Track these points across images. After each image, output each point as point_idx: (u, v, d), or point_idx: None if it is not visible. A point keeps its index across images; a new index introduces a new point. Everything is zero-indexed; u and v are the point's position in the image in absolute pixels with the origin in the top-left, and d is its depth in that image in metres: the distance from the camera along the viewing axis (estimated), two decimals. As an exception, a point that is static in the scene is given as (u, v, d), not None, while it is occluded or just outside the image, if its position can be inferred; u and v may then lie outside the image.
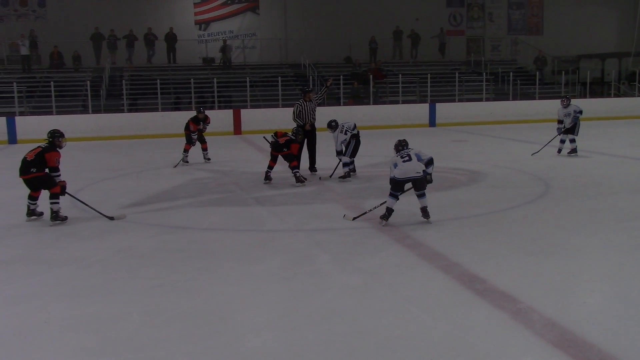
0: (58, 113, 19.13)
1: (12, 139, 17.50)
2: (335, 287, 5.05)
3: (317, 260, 5.83)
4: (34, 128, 17.09)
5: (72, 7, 24.23)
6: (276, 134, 9.94)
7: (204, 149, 12.80)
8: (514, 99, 23.11)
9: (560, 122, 12.70)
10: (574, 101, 12.94)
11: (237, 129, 19.43)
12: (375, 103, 22.07)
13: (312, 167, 10.98)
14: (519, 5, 29.97)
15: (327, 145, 11.64)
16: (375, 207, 7.34)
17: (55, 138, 7.56)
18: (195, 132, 12.44)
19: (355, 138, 10.22)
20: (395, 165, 6.97)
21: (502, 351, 3.88)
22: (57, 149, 7.54)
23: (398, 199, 7.05)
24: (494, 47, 29.60)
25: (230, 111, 19.72)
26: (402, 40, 26.68)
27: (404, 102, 22.18)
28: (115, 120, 19.06)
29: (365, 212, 7.36)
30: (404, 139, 7.29)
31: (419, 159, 6.96)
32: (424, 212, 7.07)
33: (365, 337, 4.08)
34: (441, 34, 27.25)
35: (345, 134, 10.12)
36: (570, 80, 24.82)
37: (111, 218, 7.55)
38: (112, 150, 15.77)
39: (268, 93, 21.72)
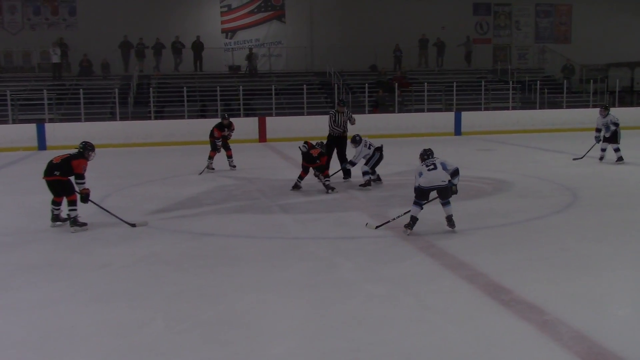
0: (87, 120, 19.44)
1: (42, 145, 17.78)
2: (359, 296, 5.02)
3: (341, 268, 5.81)
4: (63, 135, 17.40)
5: (102, 15, 24.61)
6: (307, 144, 10.00)
7: (229, 157, 12.85)
8: (541, 107, 22.88)
9: (598, 130, 12.84)
10: None
11: (262, 136, 19.50)
12: (400, 111, 22.02)
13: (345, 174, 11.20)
14: (546, 13, 29.71)
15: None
16: (399, 216, 7.30)
17: (86, 150, 7.67)
18: (219, 139, 12.51)
19: (380, 152, 10.31)
20: (421, 174, 6.94)
21: (528, 363, 3.82)
22: (85, 158, 7.65)
23: (422, 208, 7.01)
24: (520, 56, 29.38)
25: (256, 119, 19.81)
26: (427, 48, 26.61)
27: (429, 110, 22.08)
28: (142, 127, 19.24)
29: (389, 221, 7.33)
30: (429, 148, 7.25)
31: (445, 168, 6.93)
32: (449, 220, 7.01)
33: (388, 347, 4.05)
34: (467, 42, 27.13)
35: (369, 148, 10.25)
36: (599, 89, 24.51)
37: (133, 225, 7.62)
38: (138, 156, 15.94)
39: (293, 101, 21.80)
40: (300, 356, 3.98)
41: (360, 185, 10.13)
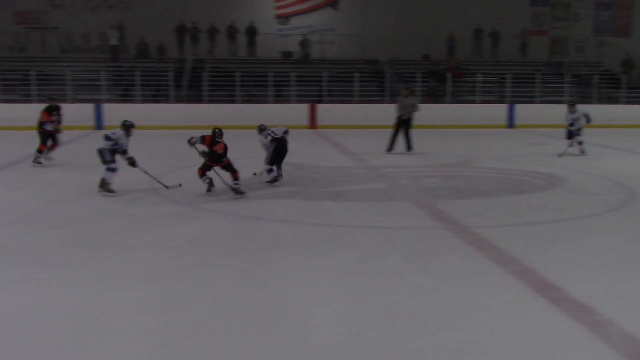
0: (142, 102, 19.83)
1: (99, 125, 18.25)
2: (405, 287, 5.01)
3: (387, 258, 5.80)
4: (120, 115, 17.72)
5: (159, -1, 25.01)
6: (203, 139, 8.65)
7: (52, 149, 11.48)
8: (598, 102, 22.23)
9: (571, 125, 13.35)
10: None
11: (313, 123, 19.55)
12: (452, 102, 21.74)
13: (409, 148, 13.25)
14: (606, 5, 28.77)
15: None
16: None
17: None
18: (47, 124, 11.30)
19: (279, 142, 9.42)
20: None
21: (575, 363, 3.75)
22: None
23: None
24: (578, 49, 28.54)
25: (307, 105, 19.86)
26: (482, 38, 26.15)
27: (482, 102, 21.74)
28: (195, 110, 19.54)
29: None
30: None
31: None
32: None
33: (432, 339, 4.03)
34: (523, 34, 26.53)
35: (266, 137, 9.48)
36: (660, 84, 23.69)
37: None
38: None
39: (344, 88, 21.76)
40: (344, 343, 4.00)
41: (267, 182, 9.40)
